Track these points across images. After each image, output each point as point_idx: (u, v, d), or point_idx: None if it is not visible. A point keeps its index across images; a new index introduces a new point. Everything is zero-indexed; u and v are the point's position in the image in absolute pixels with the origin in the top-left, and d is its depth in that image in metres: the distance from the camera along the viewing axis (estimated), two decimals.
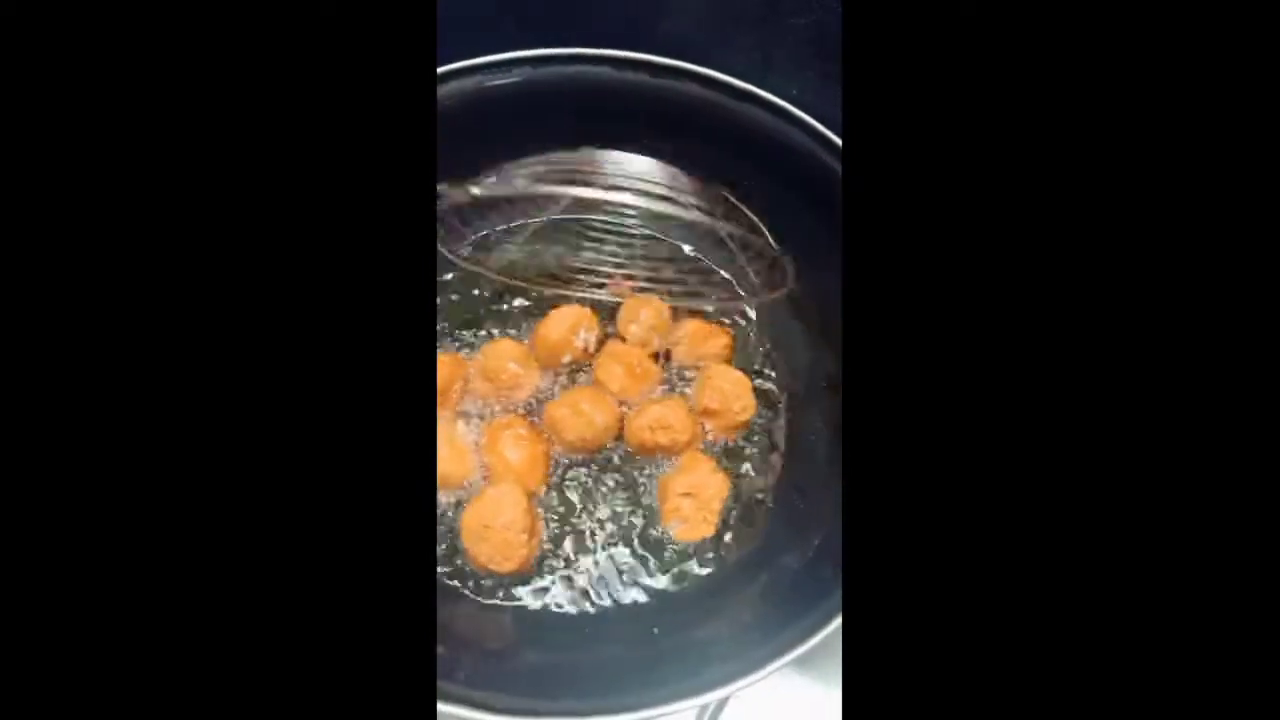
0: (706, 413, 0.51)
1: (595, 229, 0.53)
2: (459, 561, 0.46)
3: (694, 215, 0.43)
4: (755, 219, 0.45)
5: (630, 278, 0.55)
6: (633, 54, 0.51)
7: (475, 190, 0.44)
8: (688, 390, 0.53)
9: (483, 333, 0.54)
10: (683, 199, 0.44)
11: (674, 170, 0.44)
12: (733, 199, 0.45)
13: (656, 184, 0.44)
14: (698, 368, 0.53)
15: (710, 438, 0.51)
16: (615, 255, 0.54)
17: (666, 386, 0.53)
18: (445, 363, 0.51)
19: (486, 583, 0.46)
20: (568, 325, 0.52)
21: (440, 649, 0.39)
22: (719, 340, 0.53)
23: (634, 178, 0.44)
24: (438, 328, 0.54)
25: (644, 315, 0.53)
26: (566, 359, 0.53)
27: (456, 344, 0.54)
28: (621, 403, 0.51)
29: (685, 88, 0.51)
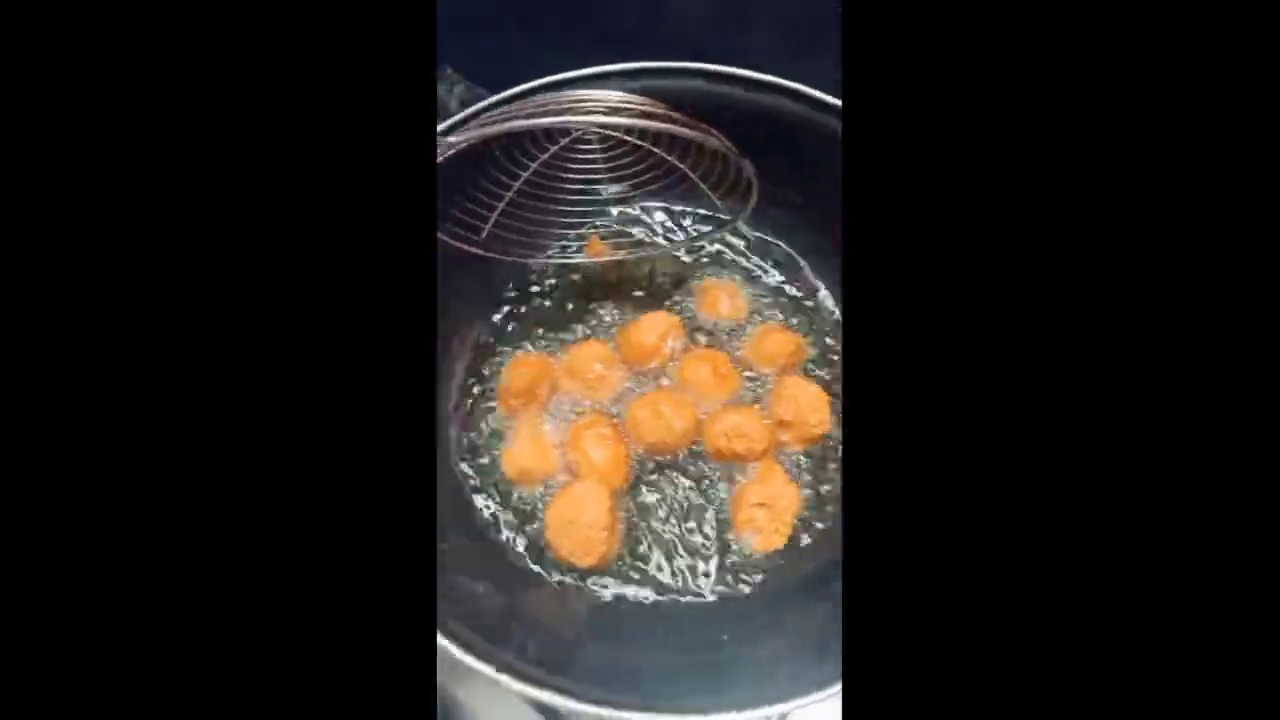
0: (781, 424, 0.51)
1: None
2: (542, 548, 0.49)
3: (662, 126, 0.43)
4: (718, 134, 0.45)
5: (603, 237, 0.58)
6: (726, 68, 0.52)
7: (451, 139, 0.44)
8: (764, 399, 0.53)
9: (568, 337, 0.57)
10: (644, 110, 0.44)
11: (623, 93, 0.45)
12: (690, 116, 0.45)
13: (618, 102, 0.45)
14: (769, 373, 0.54)
15: (786, 448, 0.52)
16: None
17: (745, 393, 0.53)
18: (533, 363, 0.54)
19: (566, 573, 0.48)
20: (658, 332, 0.54)
21: (514, 628, 0.41)
22: (789, 343, 0.54)
23: (598, 101, 0.45)
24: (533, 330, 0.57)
25: (723, 298, 0.56)
26: (653, 364, 0.54)
27: (544, 344, 0.57)
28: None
29: (775, 101, 0.52)
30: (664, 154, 0.50)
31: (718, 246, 0.60)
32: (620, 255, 0.58)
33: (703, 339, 0.56)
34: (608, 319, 0.57)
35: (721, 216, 0.57)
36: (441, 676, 0.46)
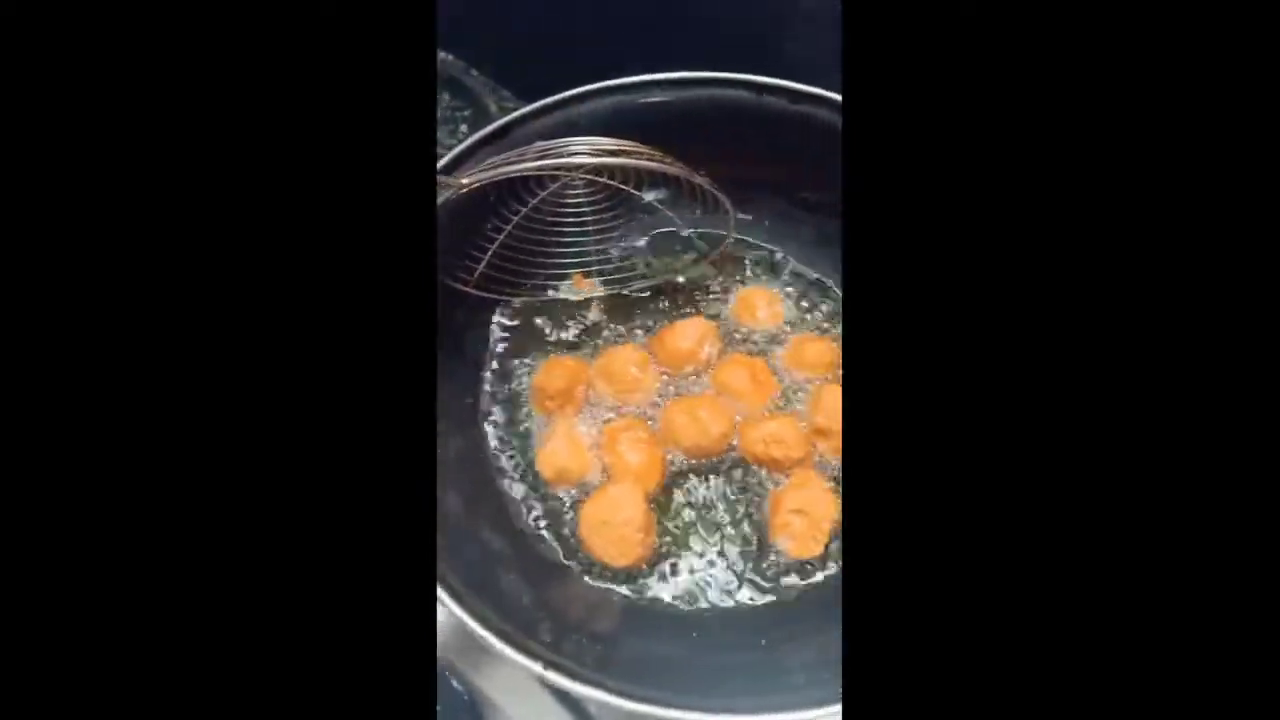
0: (818, 431, 0.51)
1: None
2: (574, 546, 0.49)
3: (648, 163, 0.46)
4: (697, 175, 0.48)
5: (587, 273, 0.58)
6: (771, 80, 0.53)
7: (464, 180, 0.47)
8: (800, 407, 0.53)
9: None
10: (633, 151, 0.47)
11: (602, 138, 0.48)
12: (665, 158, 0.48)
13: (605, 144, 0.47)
14: (806, 381, 0.54)
15: (824, 459, 0.51)
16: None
17: (781, 402, 0.53)
18: (569, 366, 0.54)
19: (601, 570, 0.48)
20: (694, 338, 0.54)
21: (546, 622, 0.41)
22: (827, 352, 0.54)
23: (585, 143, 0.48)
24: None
25: (761, 305, 0.57)
26: (689, 369, 0.54)
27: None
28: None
29: (820, 113, 0.53)
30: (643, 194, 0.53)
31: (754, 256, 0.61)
32: (603, 292, 0.58)
33: (740, 346, 0.56)
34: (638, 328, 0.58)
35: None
36: (469, 671, 0.46)
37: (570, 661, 0.37)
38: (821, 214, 0.57)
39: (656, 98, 0.54)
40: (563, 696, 0.45)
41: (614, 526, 0.47)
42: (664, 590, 0.47)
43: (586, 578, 0.48)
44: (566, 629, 0.42)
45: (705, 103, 0.54)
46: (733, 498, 0.50)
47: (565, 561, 0.48)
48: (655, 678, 0.38)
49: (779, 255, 0.60)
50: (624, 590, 0.47)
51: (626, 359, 0.54)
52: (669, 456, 0.51)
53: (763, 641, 0.43)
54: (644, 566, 0.48)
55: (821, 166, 0.51)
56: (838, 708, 0.36)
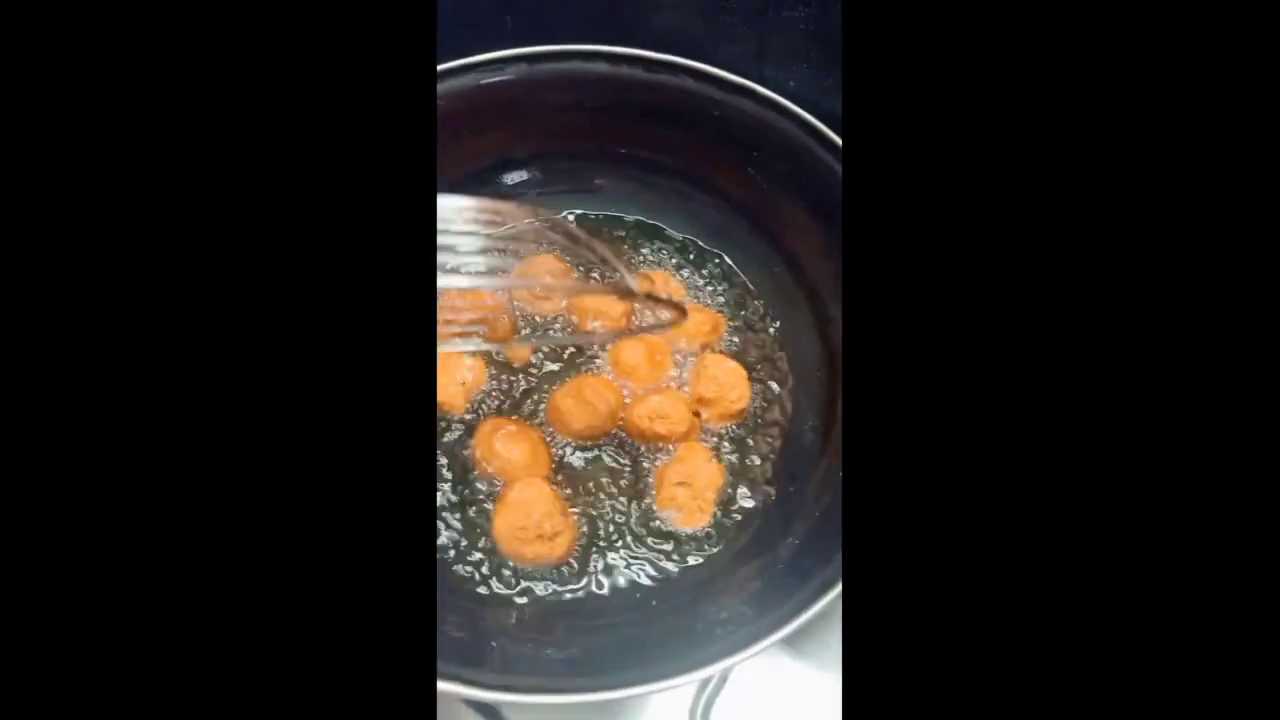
0: (702, 401, 0.52)
1: None
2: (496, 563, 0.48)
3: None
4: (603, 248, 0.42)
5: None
6: (627, 49, 0.52)
7: None
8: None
9: None
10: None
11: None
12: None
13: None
14: (694, 354, 0.54)
15: (708, 426, 0.52)
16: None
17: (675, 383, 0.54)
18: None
19: (485, 571, 0.48)
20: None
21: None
22: (706, 321, 0.55)
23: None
24: None
25: (658, 284, 0.56)
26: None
27: None
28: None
29: (680, 82, 0.52)
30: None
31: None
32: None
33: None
34: None
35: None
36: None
37: (454, 666, 0.36)
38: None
39: (507, 75, 0.52)
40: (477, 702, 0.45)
41: (531, 528, 0.46)
42: (554, 580, 0.47)
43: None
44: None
45: (561, 76, 0.53)
46: (621, 478, 0.50)
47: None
48: (552, 667, 0.38)
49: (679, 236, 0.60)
50: (516, 588, 0.47)
51: (544, 266, 0.55)
52: (558, 443, 0.51)
53: (654, 602, 0.45)
54: (573, 563, 0.47)
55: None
56: (729, 661, 0.38)
